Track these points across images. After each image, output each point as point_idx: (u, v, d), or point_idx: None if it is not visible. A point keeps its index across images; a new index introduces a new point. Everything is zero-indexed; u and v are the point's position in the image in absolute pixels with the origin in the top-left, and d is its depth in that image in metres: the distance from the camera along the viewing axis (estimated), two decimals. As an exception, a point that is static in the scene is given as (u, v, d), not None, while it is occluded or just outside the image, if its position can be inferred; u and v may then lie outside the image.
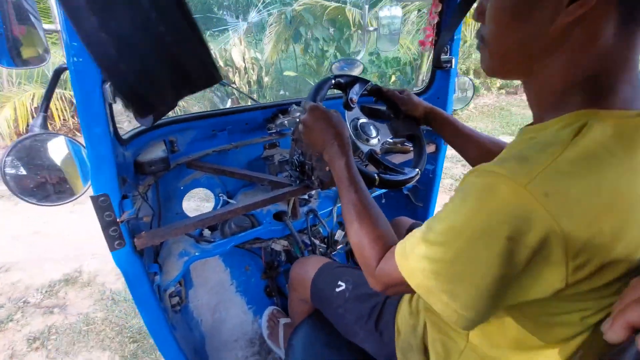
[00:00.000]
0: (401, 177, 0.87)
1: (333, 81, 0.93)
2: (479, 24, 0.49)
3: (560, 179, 0.36)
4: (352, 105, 0.94)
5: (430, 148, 1.31)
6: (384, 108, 1.03)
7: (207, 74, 0.32)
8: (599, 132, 0.38)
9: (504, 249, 0.38)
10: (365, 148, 0.90)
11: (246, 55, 5.63)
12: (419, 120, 0.98)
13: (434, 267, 0.44)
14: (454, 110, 1.34)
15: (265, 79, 5.88)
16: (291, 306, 1.13)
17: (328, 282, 0.91)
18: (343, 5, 5.46)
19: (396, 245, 0.53)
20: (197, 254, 1.04)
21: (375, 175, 0.83)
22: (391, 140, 1.00)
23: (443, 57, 1.19)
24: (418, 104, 0.96)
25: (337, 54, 6.11)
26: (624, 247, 0.38)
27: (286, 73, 6.40)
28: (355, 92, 0.95)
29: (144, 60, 0.29)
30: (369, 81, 0.99)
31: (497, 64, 0.48)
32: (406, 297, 0.76)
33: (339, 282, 0.88)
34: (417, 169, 0.91)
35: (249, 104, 1.31)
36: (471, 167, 0.86)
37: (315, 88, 0.89)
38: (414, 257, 0.47)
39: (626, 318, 0.28)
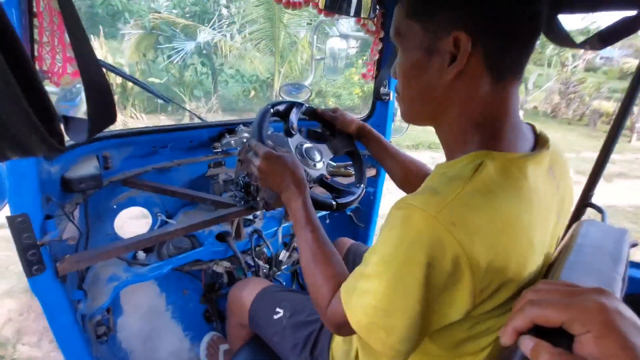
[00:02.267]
0: (351, 198, 0.92)
1: (272, 110, 0.95)
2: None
3: (464, 209, 0.42)
4: (293, 132, 0.97)
5: (370, 172, 1.40)
6: (319, 132, 1.08)
7: (43, 140, 0.23)
8: (492, 170, 0.46)
9: (424, 275, 0.42)
10: (314, 173, 0.94)
11: (108, 59, 5.87)
12: (353, 136, 1.04)
13: (371, 301, 0.47)
14: (392, 137, 1.46)
15: (129, 84, 6.02)
16: (229, 331, 1.09)
17: (266, 307, 0.91)
18: (194, 24, 6.19)
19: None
20: (129, 278, 0.97)
21: (332, 202, 0.87)
22: (334, 163, 1.05)
23: (382, 90, 1.31)
24: (351, 121, 1.03)
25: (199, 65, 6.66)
26: (515, 267, 0.45)
27: (151, 79, 6.61)
28: (294, 118, 0.98)
29: None
30: (302, 104, 1.03)
31: (407, 111, 0.58)
32: None
33: (277, 309, 0.88)
34: (362, 185, 0.96)
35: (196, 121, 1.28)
36: (398, 188, 0.95)
37: (258, 125, 0.88)
38: (356, 293, 0.50)
39: (513, 324, 0.34)
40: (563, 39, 0.59)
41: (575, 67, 10.04)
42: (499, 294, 0.45)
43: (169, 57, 6.33)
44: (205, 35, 6.04)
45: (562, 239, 0.63)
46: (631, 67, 11.45)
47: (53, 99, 0.77)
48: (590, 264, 0.52)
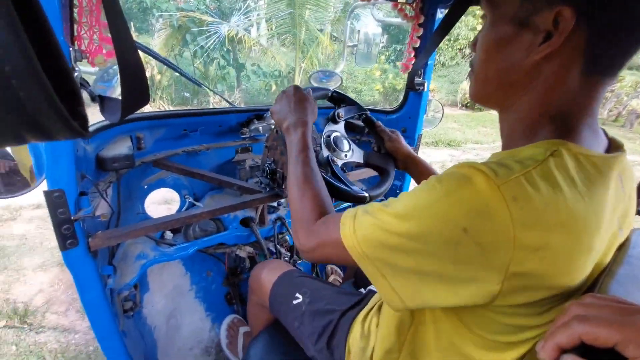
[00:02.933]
0: (345, 189, 0.83)
1: (330, 93, 0.98)
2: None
3: (529, 188, 0.38)
4: (337, 120, 0.97)
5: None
6: (360, 124, 1.06)
7: (64, 123, 0.22)
8: (567, 159, 0.41)
9: (454, 238, 0.39)
10: (325, 153, 0.91)
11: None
12: (398, 163, 1.00)
13: (382, 236, 0.44)
14: (424, 129, 1.40)
15: (158, 77, 6.43)
16: (249, 310, 1.11)
17: (287, 291, 0.91)
18: (219, 20, 6.38)
19: (343, 211, 0.54)
20: (156, 257, 1.00)
21: (366, 194, 0.84)
22: (356, 165, 1.01)
23: (417, 79, 1.25)
24: (403, 147, 0.99)
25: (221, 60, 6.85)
26: (564, 266, 0.40)
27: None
28: (345, 111, 0.98)
29: None
30: (365, 110, 1.02)
31: (479, 89, 0.53)
32: (360, 318, 0.76)
33: (297, 294, 0.88)
34: (367, 194, 0.85)
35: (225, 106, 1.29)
36: None
37: (314, 88, 0.93)
38: (364, 221, 0.48)
39: (555, 340, 0.31)
40: None
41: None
42: (536, 290, 0.41)
43: (195, 53, 6.61)
44: (227, 29, 6.17)
45: None
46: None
47: (90, 79, 0.79)
48: None
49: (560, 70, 0.43)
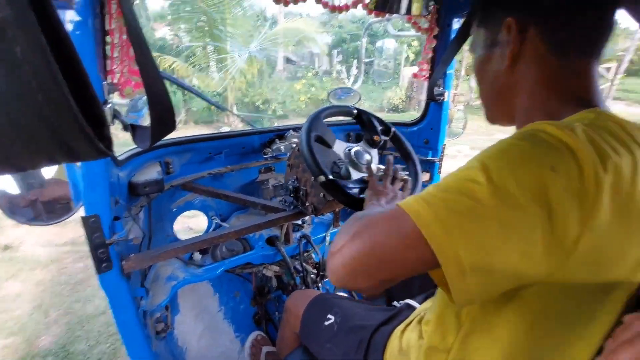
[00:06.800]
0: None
1: (355, 112, 1.00)
2: None
3: (601, 135, 0.38)
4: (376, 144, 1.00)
5: (424, 177, 1.33)
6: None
7: (91, 144, 0.23)
8: (607, 118, 0.42)
9: (546, 179, 0.34)
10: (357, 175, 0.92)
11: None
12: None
13: (467, 191, 0.37)
14: (447, 138, 1.37)
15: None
16: (282, 337, 1.09)
17: (318, 315, 0.89)
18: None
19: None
20: (186, 278, 1.02)
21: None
22: (382, 166, 1.00)
23: (436, 90, 1.24)
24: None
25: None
26: (630, 251, 0.38)
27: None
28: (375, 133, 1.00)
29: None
30: (390, 128, 1.04)
31: (487, 110, 0.58)
32: (397, 332, 0.74)
33: (328, 316, 0.86)
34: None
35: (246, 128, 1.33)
36: None
37: (325, 109, 0.95)
38: (433, 194, 0.39)
39: (619, 357, 0.28)
40: None
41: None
42: (600, 264, 0.37)
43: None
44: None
45: None
46: None
47: (123, 110, 0.84)
48: None
49: (532, 63, 0.48)
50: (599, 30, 0.45)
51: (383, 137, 1.03)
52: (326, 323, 0.85)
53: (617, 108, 8.61)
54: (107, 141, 0.26)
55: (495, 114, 0.57)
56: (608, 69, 7.72)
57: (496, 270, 0.36)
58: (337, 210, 1.20)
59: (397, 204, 0.42)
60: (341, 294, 1.13)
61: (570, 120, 0.41)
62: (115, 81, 0.74)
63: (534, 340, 0.44)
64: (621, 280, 0.40)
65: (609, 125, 0.41)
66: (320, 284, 1.30)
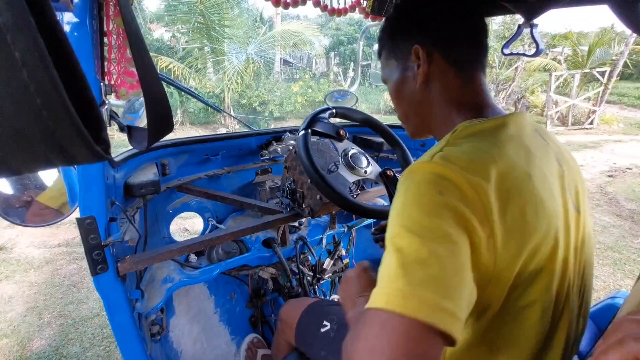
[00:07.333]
0: (367, 205, 0.86)
1: (333, 111, 0.98)
2: None
3: (453, 149, 0.47)
4: (343, 136, 0.95)
5: None
6: (378, 140, 1.06)
7: (88, 147, 0.23)
8: (474, 125, 0.52)
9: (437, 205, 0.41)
10: (370, 175, 0.94)
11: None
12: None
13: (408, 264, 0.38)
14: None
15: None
16: (276, 343, 1.09)
17: (313, 322, 0.90)
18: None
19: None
20: (181, 280, 1.01)
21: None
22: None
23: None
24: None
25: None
26: (533, 212, 0.44)
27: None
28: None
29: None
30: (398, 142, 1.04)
31: (409, 128, 0.66)
32: None
33: (324, 322, 0.87)
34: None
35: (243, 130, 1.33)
36: None
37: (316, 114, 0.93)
38: (386, 275, 0.39)
39: (608, 359, 0.29)
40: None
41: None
42: (528, 247, 0.43)
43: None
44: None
45: None
46: None
47: (119, 111, 0.84)
48: None
49: (441, 78, 0.58)
50: (482, 51, 0.58)
51: (374, 139, 1.04)
52: (322, 330, 0.85)
53: (611, 111, 8.71)
54: (105, 144, 0.26)
55: (416, 128, 0.65)
56: (602, 73, 7.78)
57: (467, 293, 0.38)
58: (333, 212, 1.21)
59: (366, 307, 0.38)
60: (336, 300, 1.13)
61: (451, 139, 0.50)
62: (112, 82, 0.74)
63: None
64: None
65: (470, 127, 0.51)
66: (316, 287, 1.30)
